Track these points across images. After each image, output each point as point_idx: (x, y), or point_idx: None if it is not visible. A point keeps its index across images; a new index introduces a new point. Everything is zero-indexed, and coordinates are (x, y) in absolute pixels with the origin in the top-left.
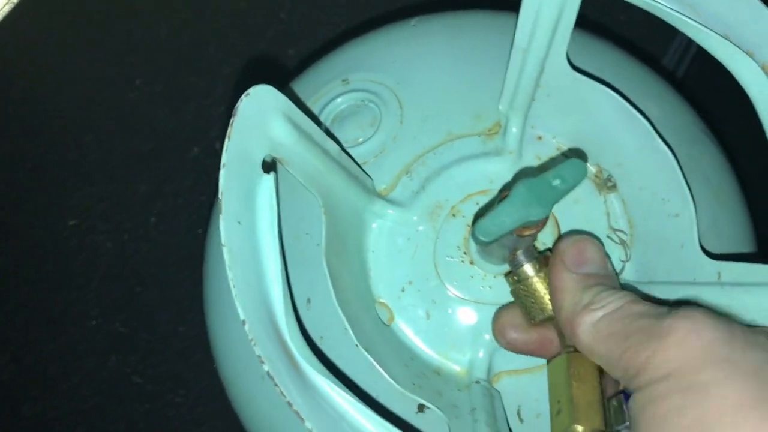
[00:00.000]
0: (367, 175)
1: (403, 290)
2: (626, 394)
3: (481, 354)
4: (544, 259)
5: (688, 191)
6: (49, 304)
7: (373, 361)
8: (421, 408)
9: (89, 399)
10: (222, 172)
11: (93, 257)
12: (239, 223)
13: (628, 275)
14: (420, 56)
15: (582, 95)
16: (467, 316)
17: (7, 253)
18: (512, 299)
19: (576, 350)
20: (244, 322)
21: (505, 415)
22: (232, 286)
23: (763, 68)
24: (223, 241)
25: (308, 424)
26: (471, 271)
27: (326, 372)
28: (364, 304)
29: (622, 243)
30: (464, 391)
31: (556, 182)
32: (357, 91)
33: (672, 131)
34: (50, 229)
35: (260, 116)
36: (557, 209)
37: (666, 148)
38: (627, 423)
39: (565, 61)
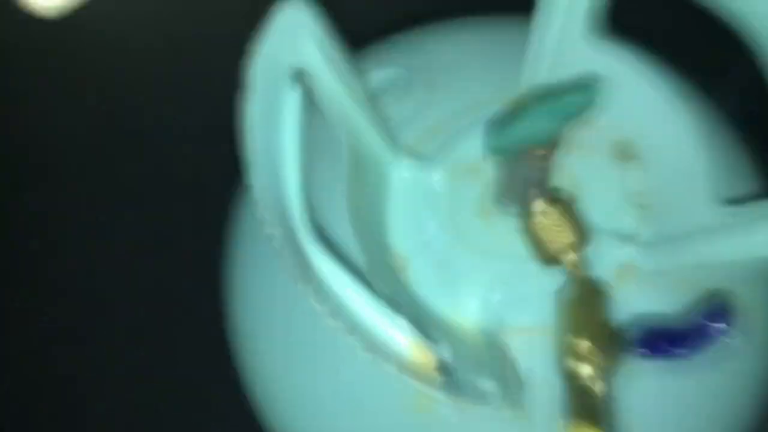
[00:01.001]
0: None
1: (417, 241)
2: None
3: (490, 308)
4: (556, 197)
5: (704, 152)
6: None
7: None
8: None
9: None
10: (250, 75)
11: None
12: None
13: (645, 236)
14: (458, 49)
15: (600, 64)
16: (479, 270)
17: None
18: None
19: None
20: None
21: (515, 368)
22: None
23: None
24: (245, 136)
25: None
26: (486, 226)
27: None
28: (378, 249)
29: (641, 207)
30: (471, 342)
31: (574, 98)
32: (395, 67)
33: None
34: None
35: (294, 31)
36: (577, 174)
37: (685, 114)
38: None
39: (585, 29)
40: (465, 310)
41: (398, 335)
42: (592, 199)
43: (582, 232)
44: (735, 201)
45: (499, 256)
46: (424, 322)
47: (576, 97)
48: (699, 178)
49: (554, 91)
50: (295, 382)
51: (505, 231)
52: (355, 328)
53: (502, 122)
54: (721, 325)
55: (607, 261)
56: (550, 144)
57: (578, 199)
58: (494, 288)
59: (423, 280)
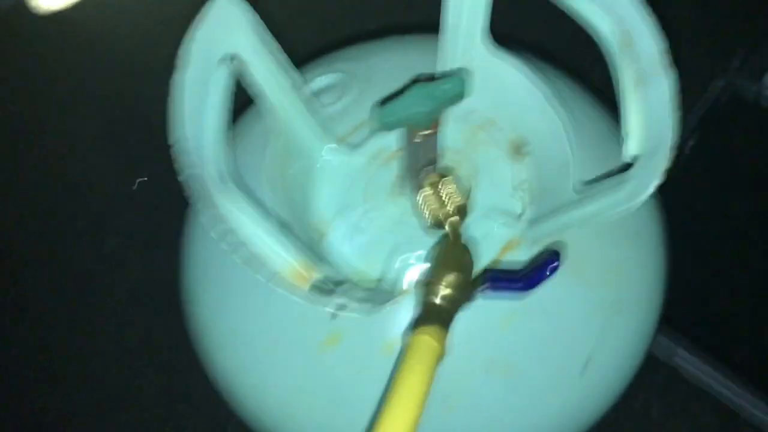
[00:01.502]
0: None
1: (336, 214)
2: None
3: (394, 270)
4: (443, 175)
5: (570, 150)
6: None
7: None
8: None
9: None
10: (183, 54)
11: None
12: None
13: (527, 216)
14: (390, 60)
15: (498, 72)
16: (386, 239)
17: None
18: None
19: None
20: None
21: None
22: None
23: (617, 25)
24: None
25: (217, 228)
26: (395, 203)
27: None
28: (300, 219)
29: (525, 194)
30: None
31: (446, 86)
32: (334, 72)
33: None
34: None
35: (228, 20)
36: (480, 165)
37: (559, 118)
38: None
39: (482, 40)
40: (371, 271)
41: (282, 261)
42: (489, 186)
43: (461, 204)
44: (589, 181)
45: (403, 226)
46: (321, 257)
47: (448, 85)
48: (567, 167)
49: (431, 80)
50: (228, 326)
51: (410, 207)
52: (249, 256)
53: (387, 102)
54: (551, 267)
55: (496, 236)
56: (431, 125)
57: (477, 185)
58: (398, 254)
59: (340, 240)
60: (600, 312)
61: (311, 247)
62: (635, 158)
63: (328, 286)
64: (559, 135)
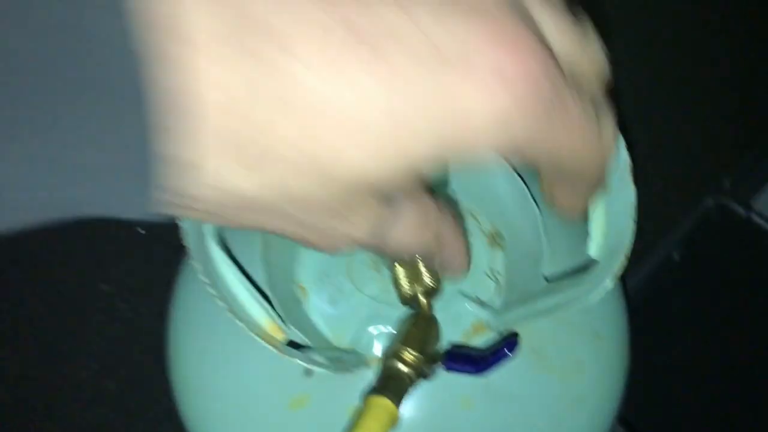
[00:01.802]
0: None
1: (317, 279)
2: None
3: (366, 337)
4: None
5: (543, 242)
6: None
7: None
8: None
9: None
10: None
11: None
12: None
13: (497, 302)
14: None
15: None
16: (362, 308)
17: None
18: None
19: None
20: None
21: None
22: None
23: None
24: None
25: (204, 280)
26: (374, 276)
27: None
28: (285, 279)
29: (497, 281)
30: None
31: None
32: None
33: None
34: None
35: None
36: None
37: (536, 210)
38: None
39: None
40: (344, 336)
41: (261, 312)
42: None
43: (433, 284)
44: (555, 276)
45: (379, 299)
46: (297, 318)
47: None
48: (539, 259)
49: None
50: (206, 379)
51: (387, 282)
52: (233, 305)
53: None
54: (506, 352)
55: (466, 318)
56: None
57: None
58: (371, 324)
59: (320, 304)
60: (560, 404)
61: (294, 306)
62: (597, 257)
63: (303, 342)
64: (534, 228)
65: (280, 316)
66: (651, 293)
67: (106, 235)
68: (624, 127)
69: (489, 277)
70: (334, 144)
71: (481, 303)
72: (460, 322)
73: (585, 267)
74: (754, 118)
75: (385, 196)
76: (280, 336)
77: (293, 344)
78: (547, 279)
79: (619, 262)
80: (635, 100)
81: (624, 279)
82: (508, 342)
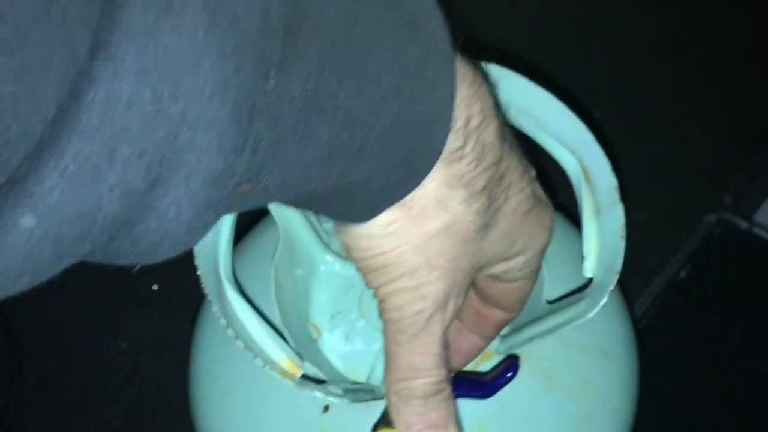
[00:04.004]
0: (326, 234)
1: (331, 317)
2: None
3: (378, 371)
4: None
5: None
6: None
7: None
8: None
9: None
10: None
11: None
12: None
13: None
14: None
15: None
16: (375, 344)
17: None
18: None
19: None
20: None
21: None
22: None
23: (579, 162)
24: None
25: (222, 322)
26: None
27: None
28: (299, 319)
29: None
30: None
31: None
32: None
33: None
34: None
35: None
36: None
37: None
38: None
39: None
40: (359, 373)
41: (277, 350)
42: None
43: None
44: (558, 297)
45: None
46: (312, 356)
47: None
48: (541, 284)
49: None
50: (230, 423)
51: None
52: (250, 344)
53: None
54: (510, 376)
55: None
56: None
57: None
58: (381, 354)
59: (334, 341)
60: (571, 423)
61: (308, 344)
62: (593, 276)
63: (318, 377)
64: None
65: (296, 352)
66: (660, 312)
67: (121, 294)
68: (612, 153)
69: None
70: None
71: None
72: None
73: (583, 287)
74: (751, 133)
75: None
76: (297, 371)
77: (309, 379)
78: (548, 302)
79: (613, 280)
80: (632, 122)
81: (630, 298)
82: (510, 364)
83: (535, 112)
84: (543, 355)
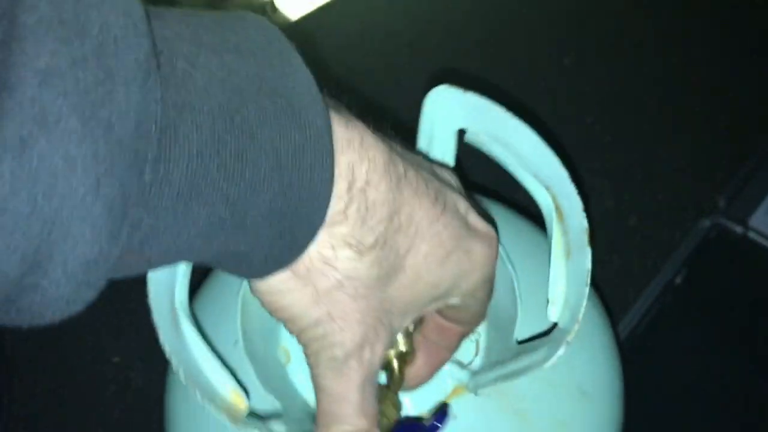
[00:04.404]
0: None
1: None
2: None
3: None
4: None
5: (518, 305)
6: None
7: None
8: None
9: None
10: None
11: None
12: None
13: (476, 364)
14: None
15: None
16: None
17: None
18: None
19: None
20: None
21: None
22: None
23: (553, 199)
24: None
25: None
26: None
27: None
28: (270, 344)
29: (476, 343)
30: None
31: None
32: None
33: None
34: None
35: None
36: None
37: (512, 272)
38: None
39: None
40: None
41: (225, 383)
42: None
43: (404, 350)
44: (527, 338)
45: None
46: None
47: None
48: (513, 324)
49: None
50: None
51: None
52: (194, 375)
53: None
54: (437, 426)
55: (448, 379)
56: None
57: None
58: None
59: (301, 369)
60: None
61: (276, 369)
62: (558, 321)
63: (268, 413)
64: (510, 290)
65: (244, 388)
66: (654, 318)
67: (113, 307)
68: (583, 187)
69: (470, 340)
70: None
71: (462, 365)
72: (443, 383)
73: (551, 331)
74: (743, 136)
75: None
76: (242, 406)
77: (255, 415)
78: (518, 342)
79: (572, 329)
80: (624, 125)
81: (624, 305)
82: (440, 413)
83: (510, 143)
84: (517, 393)
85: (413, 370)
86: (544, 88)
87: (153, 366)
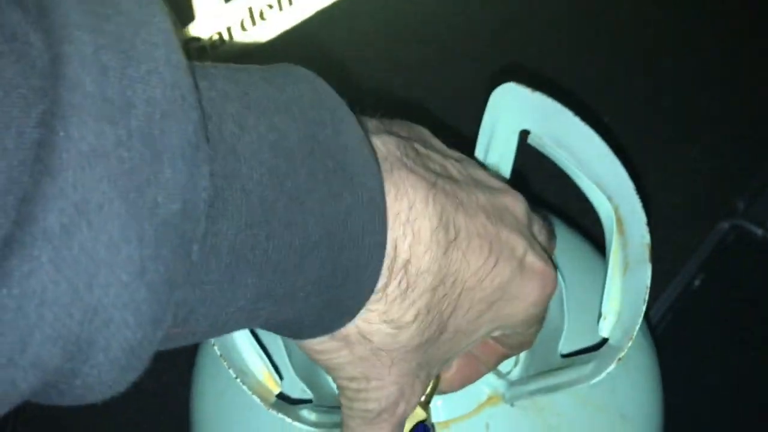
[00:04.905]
0: None
1: None
2: None
3: None
4: None
5: (566, 316)
6: None
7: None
8: None
9: None
10: None
11: None
12: None
13: (514, 375)
14: None
15: None
16: None
17: None
18: None
19: None
20: None
21: None
22: None
23: (615, 210)
24: None
25: None
26: None
27: None
28: None
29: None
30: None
31: None
32: None
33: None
34: None
35: None
36: None
37: (561, 282)
38: None
39: None
40: None
41: (259, 364)
42: None
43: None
44: (572, 352)
45: None
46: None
47: None
48: (559, 335)
49: None
50: None
51: None
52: (232, 355)
53: None
54: None
55: (483, 387)
56: None
57: None
58: None
59: None
60: None
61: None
62: (609, 337)
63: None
64: (559, 301)
65: (278, 371)
66: (673, 321)
67: None
68: (641, 184)
69: None
70: None
71: (500, 374)
72: (478, 391)
73: (599, 346)
74: (764, 137)
75: None
76: (274, 388)
77: (289, 400)
78: (562, 355)
79: (625, 346)
80: (642, 127)
81: (661, 353)
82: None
83: (575, 149)
84: (554, 409)
85: (445, 377)
86: (559, 89)
87: (163, 369)
